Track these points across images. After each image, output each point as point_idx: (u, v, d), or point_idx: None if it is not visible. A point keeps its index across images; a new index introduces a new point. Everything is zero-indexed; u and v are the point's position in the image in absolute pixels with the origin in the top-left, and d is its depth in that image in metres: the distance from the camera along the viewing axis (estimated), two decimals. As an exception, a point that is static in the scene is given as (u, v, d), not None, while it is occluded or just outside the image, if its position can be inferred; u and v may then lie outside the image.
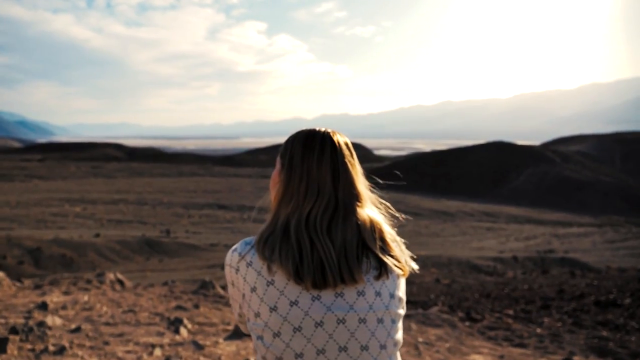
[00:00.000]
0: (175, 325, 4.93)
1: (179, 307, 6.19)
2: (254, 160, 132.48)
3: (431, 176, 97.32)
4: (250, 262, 1.28)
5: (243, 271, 1.29)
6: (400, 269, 1.33)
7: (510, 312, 9.11)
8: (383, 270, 1.28)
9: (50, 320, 4.57)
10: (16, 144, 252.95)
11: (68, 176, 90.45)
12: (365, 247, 1.29)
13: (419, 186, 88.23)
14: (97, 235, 35.10)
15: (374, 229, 1.32)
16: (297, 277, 1.22)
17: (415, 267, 1.38)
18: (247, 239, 1.36)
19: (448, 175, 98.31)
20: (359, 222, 1.30)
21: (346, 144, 1.41)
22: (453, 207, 66.58)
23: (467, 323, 7.45)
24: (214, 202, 60.55)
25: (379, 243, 1.30)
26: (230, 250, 1.35)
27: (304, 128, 1.46)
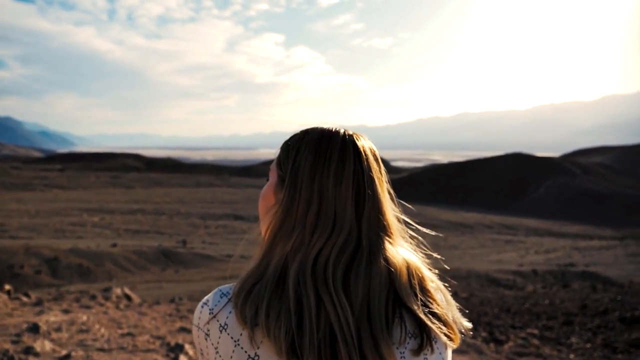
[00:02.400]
0: (175, 352, 4.62)
1: (182, 329, 5.96)
2: (268, 173, 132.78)
3: (449, 188, 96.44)
4: (225, 324, 0.87)
5: (214, 337, 0.88)
6: (450, 336, 0.90)
7: (535, 331, 8.80)
8: (425, 339, 0.86)
9: (39, 345, 4.29)
10: (37, 154, 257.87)
11: (87, 186, 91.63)
12: (399, 304, 0.87)
13: (436, 198, 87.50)
14: (114, 245, 35.30)
15: (412, 276, 0.90)
16: (293, 353, 0.81)
17: (468, 325, 0.95)
18: (224, 287, 0.93)
19: (466, 187, 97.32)
20: (391, 268, 0.88)
21: (372, 152, 0.99)
22: (471, 219, 65.75)
23: (491, 345, 7.15)
24: (231, 213, 60.72)
25: (420, 296, 0.89)
26: (200, 304, 0.93)
27: (313, 127, 1.01)
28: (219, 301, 0.90)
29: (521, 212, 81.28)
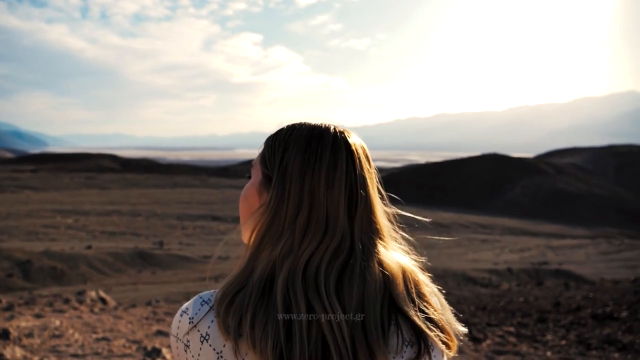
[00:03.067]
0: (152, 356, 4.54)
1: (159, 333, 5.85)
2: (249, 171, 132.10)
3: (426, 188, 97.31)
4: (207, 335, 0.80)
5: (195, 348, 0.81)
6: (447, 343, 0.85)
7: (511, 329, 8.95)
8: (423, 347, 0.81)
9: (9, 352, 4.11)
10: (9, 155, 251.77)
11: (61, 187, 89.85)
12: (395, 310, 0.82)
13: (414, 198, 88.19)
14: (89, 247, 34.72)
15: (408, 280, 0.85)
16: None
17: (463, 330, 0.91)
18: (205, 293, 0.86)
19: (443, 187, 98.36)
20: (386, 272, 0.83)
21: (364, 150, 0.93)
22: (448, 219, 66.48)
23: (470, 344, 7.23)
24: (209, 214, 60.26)
25: (417, 301, 0.84)
26: (179, 312, 0.85)
27: (301, 122, 0.93)
28: (199, 309, 0.82)
29: (497, 212, 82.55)
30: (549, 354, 6.87)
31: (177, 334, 0.83)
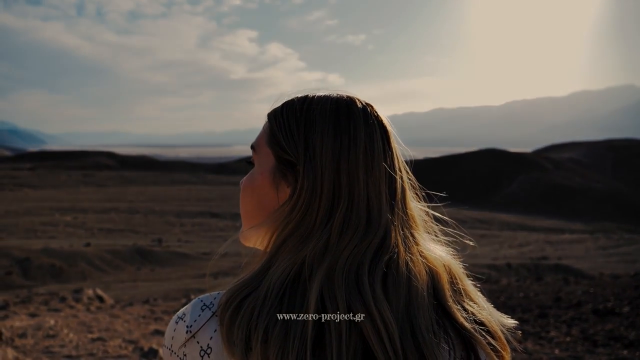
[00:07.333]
0: (148, 357, 4.43)
1: (157, 332, 5.76)
2: (247, 168, 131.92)
3: (424, 183, 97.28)
4: (208, 348, 0.62)
5: None
6: (500, 352, 0.70)
7: (514, 325, 8.93)
8: (473, 358, 0.67)
9: (0, 353, 3.99)
10: (6, 153, 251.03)
11: (59, 185, 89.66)
12: (443, 314, 0.67)
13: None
14: (88, 244, 34.62)
15: (453, 278, 0.72)
16: None
17: (512, 323, 0.76)
18: (207, 296, 0.68)
19: (441, 183, 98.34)
20: (432, 270, 0.70)
21: (391, 126, 0.80)
22: (446, 215, 66.59)
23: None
24: (207, 211, 60.14)
25: (465, 302, 0.71)
26: (174, 319, 0.67)
27: (312, 93, 0.76)
28: (199, 316, 0.65)
29: (495, 207, 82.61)
30: (557, 351, 6.82)
31: (172, 345, 0.65)
